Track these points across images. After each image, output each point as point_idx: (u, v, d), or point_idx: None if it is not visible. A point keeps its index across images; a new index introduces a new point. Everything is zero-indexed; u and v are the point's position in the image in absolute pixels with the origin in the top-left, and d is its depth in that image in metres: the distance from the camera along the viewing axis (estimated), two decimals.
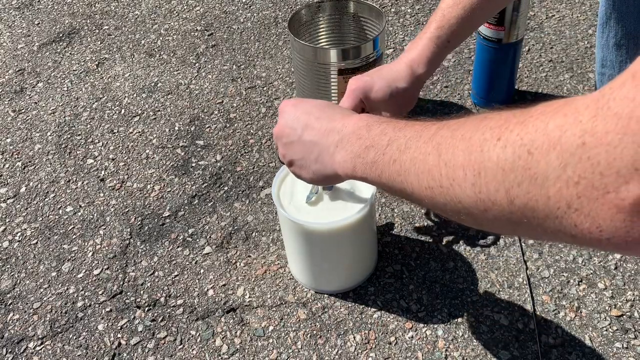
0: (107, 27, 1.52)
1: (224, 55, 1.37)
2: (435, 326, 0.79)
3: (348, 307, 0.83)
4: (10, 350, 0.83)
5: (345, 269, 0.83)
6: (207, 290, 0.87)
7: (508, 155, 0.34)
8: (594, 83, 1.16)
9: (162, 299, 0.87)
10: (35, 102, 1.29)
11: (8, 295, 0.90)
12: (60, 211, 1.03)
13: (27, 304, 0.89)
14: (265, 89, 1.25)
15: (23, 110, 1.27)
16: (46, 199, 1.06)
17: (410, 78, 0.79)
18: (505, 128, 0.36)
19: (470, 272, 0.86)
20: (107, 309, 0.86)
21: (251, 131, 1.15)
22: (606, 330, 0.77)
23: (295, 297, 0.85)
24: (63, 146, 1.17)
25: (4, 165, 1.14)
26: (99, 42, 1.46)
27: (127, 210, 1.02)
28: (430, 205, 0.43)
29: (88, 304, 0.88)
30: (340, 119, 0.57)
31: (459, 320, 0.80)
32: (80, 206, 1.03)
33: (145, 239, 0.96)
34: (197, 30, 1.47)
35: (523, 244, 0.89)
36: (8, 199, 1.07)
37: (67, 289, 0.90)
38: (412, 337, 0.79)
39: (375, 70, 0.82)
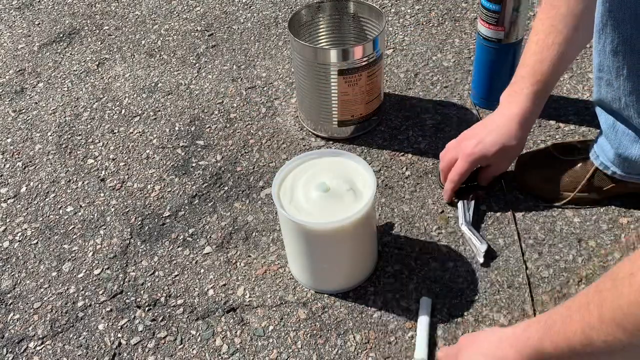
0: (107, 27, 1.52)
1: (224, 55, 1.37)
2: (435, 326, 0.79)
3: (348, 307, 0.83)
4: (10, 350, 0.83)
5: (345, 269, 0.83)
6: (207, 290, 0.87)
7: None
8: (592, 84, 1.16)
9: (163, 299, 0.87)
10: (36, 102, 1.29)
11: (8, 295, 0.90)
12: (61, 211, 1.03)
13: (27, 303, 0.89)
14: (265, 89, 1.25)
15: (23, 111, 1.27)
16: (46, 199, 1.06)
17: (520, 134, 0.87)
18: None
19: (470, 272, 0.86)
20: (108, 309, 0.87)
21: (251, 131, 1.15)
22: None
23: (295, 297, 0.85)
24: (63, 146, 1.17)
25: (4, 165, 1.14)
26: (100, 43, 1.46)
27: (127, 210, 1.02)
28: None
29: (88, 304, 0.88)
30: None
31: (459, 320, 0.80)
32: (81, 206, 1.04)
33: (145, 239, 0.96)
34: (197, 30, 1.47)
35: (523, 244, 0.89)
36: (8, 198, 1.07)
37: (68, 288, 0.90)
38: (412, 337, 0.79)
39: (479, 127, 0.91)
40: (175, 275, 0.90)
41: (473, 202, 0.94)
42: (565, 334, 0.52)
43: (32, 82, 1.36)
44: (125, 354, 0.81)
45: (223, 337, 0.81)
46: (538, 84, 0.85)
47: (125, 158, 1.12)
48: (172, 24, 1.51)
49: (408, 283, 0.85)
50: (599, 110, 0.88)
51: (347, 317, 0.82)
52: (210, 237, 0.95)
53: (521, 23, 1.02)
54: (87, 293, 0.89)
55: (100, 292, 0.89)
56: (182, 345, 0.81)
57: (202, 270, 0.90)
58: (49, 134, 1.20)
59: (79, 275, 0.92)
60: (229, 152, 1.11)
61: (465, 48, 1.30)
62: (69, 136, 1.19)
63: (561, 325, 0.52)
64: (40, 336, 0.84)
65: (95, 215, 1.02)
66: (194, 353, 0.80)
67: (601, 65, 0.79)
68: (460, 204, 0.93)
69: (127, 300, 0.87)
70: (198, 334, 0.82)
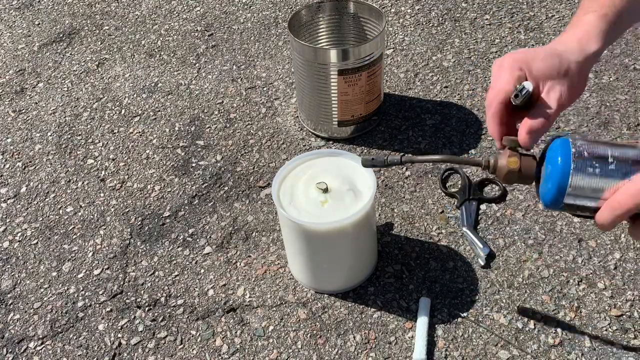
0: (107, 27, 1.52)
1: (224, 55, 1.37)
2: (435, 326, 0.80)
3: (348, 307, 0.83)
4: (10, 350, 0.83)
5: (345, 269, 0.83)
6: (207, 290, 0.87)
7: None
8: (593, 83, 1.16)
9: (163, 299, 0.87)
10: (36, 103, 1.29)
11: (8, 295, 0.90)
12: (61, 211, 1.03)
13: (27, 304, 0.89)
14: (265, 89, 1.25)
15: (23, 111, 1.27)
16: (46, 199, 1.06)
17: (581, 53, 0.65)
18: None
19: (470, 272, 0.86)
20: (108, 309, 0.87)
21: (251, 131, 1.15)
22: (606, 330, 0.77)
23: (295, 297, 0.85)
24: (63, 146, 1.17)
25: (4, 166, 1.14)
26: (99, 43, 1.46)
27: (127, 210, 1.02)
28: None
29: (88, 304, 0.88)
30: None
31: (459, 320, 0.80)
32: (81, 206, 1.04)
33: (145, 239, 0.96)
34: (197, 30, 1.47)
35: (523, 244, 0.89)
36: (8, 199, 1.07)
37: (68, 289, 0.90)
38: (412, 337, 0.79)
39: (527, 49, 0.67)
40: (175, 275, 0.90)
41: (475, 204, 0.94)
42: None
43: (32, 82, 1.36)
44: (125, 354, 0.81)
45: (223, 337, 0.81)
46: (606, 8, 0.66)
47: (125, 158, 1.12)
48: (172, 24, 1.51)
49: (408, 283, 0.85)
50: None
51: (347, 317, 0.82)
52: (210, 237, 0.95)
53: None
54: (87, 293, 0.89)
55: (100, 292, 0.89)
56: (182, 345, 0.81)
57: (202, 270, 0.90)
58: (49, 134, 1.20)
59: (79, 276, 0.92)
60: (229, 152, 1.11)
61: (465, 48, 1.30)
62: (69, 136, 1.19)
63: None
64: (40, 336, 0.84)
65: (95, 215, 1.02)
66: (194, 353, 0.80)
67: None
68: (462, 207, 0.93)
69: (127, 300, 0.87)
70: (198, 334, 0.82)
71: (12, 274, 0.93)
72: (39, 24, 1.56)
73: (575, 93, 0.64)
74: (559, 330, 0.78)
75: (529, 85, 0.60)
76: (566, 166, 0.56)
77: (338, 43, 1.16)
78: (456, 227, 0.92)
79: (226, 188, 1.04)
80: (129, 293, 0.88)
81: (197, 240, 0.95)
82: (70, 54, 1.43)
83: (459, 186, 0.98)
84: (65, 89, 1.32)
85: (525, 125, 0.61)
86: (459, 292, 0.83)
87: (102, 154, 1.14)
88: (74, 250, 0.96)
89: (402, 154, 0.66)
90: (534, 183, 0.61)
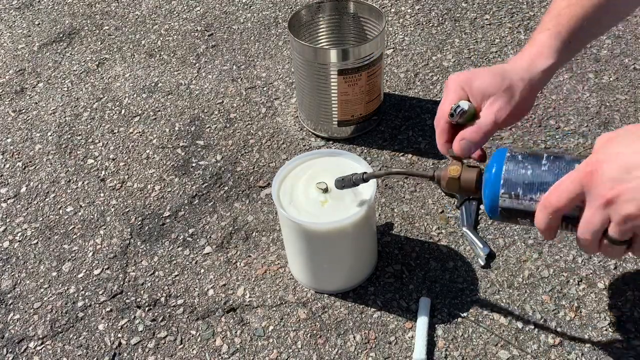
0: (107, 27, 1.52)
1: (224, 55, 1.37)
2: (435, 326, 0.80)
3: (348, 307, 0.83)
4: (10, 350, 0.83)
5: (345, 269, 0.83)
6: (207, 290, 0.87)
7: None
8: (593, 83, 1.16)
9: (163, 299, 0.87)
10: (36, 102, 1.29)
11: (8, 295, 0.90)
12: (61, 211, 1.03)
13: (27, 303, 0.89)
14: (265, 89, 1.25)
15: (23, 111, 1.27)
16: (46, 199, 1.06)
17: (528, 71, 0.66)
18: None
19: (470, 272, 0.86)
20: (108, 309, 0.87)
21: (251, 131, 1.15)
22: (606, 330, 0.77)
23: (295, 297, 0.85)
24: (63, 146, 1.17)
25: (4, 165, 1.14)
26: (99, 43, 1.46)
27: (127, 210, 1.02)
28: None
29: (88, 304, 0.88)
30: None
31: (459, 320, 0.80)
32: (81, 206, 1.04)
33: (145, 239, 0.96)
34: (197, 30, 1.47)
35: (523, 244, 0.89)
36: (8, 199, 1.07)
37: (68, 288, 0.90)
38: (412, 337, 0.79)
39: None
40: (175, 275, 0.90)
41: (475, 204, 0.94)
42: None
43: (32, 82, 1.36)
44: (125, 354, 0.81)
45: (223, 337, 0.81)
46: (559, 27, 0.67)
47: (125, 158, 1.12)
48: (172, 24, 1.51)
49: (408, 283, 0.85)
50: None
51: (347, 317, 0.82)
52: (210, 237, 0.95)
53: None
54: (87, 293, 0.89)
55: (100, 292, 0.89)
56: (182, 345, 0.81)
57: (202, 270, 0.90)
58: (49, 134, 1.20)
59: (79, 275, 0.92)
60: (229, 152, 1.11)
61: (465, 48, 1.30)
62: (69, 136, 1.19)
63: None
64: (40, 336, 0.84)
65: (95, 215, 1.02)
66: (194, 353, 0.80)
67: None
68: (462, 207, 0.93)
69: (127, 300, 0.87)
70: (198, 334, 0.82)
71: (12, 274, 0.93)
72: (39, 24, 1.56)
73: (518, 108, 0.66)
74: (559, 330, 0.78)
75: (463, 104, 0.64)
76: (499, 168, 0.57)
77: (338, 43, 1.16)
78: (456, 227, 0.92)
79: (226, 188, 1.04)
80: (129, 293, 0.88)
81: (197, 240, 0.95)
82: (70, 54, 1.43)
83: None
84: (65, 89, 1.32)
85: (458, 135, 0.65)
86: (459, 292, 0.83)
87: (102, 154, 1.14)
88: (74, 250, 0.96)
89: (363, 172, 0.73)
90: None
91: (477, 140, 0.65)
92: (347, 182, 0.75)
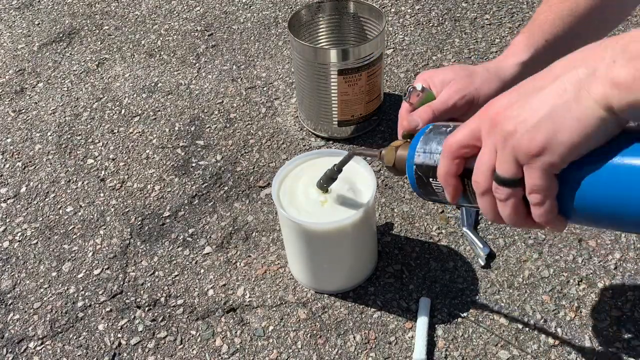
0: (107, 27, 1.52)
1: (224, 55, 1.37)
2: (435, 326, 0.79)
3: (348, 307, 0.83)
4: (10, 350, 0.83)
5: (345, 269, 0.83)
6: (207, 290, 0.87)
7: None
8: None
9: (162, 299, 0.87)
10: (36, 102, 1.29)
11: (8, 295, 0.90)
12: (61, 211, 1.03)
13: (27, 304, 0.89)
14: (265, 89, 1.25)
15: (23, 111, 1.27)
16: (46, 199, 1.06)
17: (499, 63, 0.67)
18: None
19: (470, 272, 0.86)
20: (107, 309, 0.87)
21: (251, 131, 1.15)
22: (606, 330, 0.77)
23: (295, 297, 0.85)
24: (63, 146, 1.17)
25: (4, 165, 1.14)
26: (99, 42, 1.46)
27: (127, 210, 1.02)
28: None
29: (88, 304, 0.88)
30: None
31: (459, 320, 0.80)
32: (81, 206, 1.04)
33: (145, 239, 0.96)
34: (197, 30, 1.47)
35: (523, 244, 0.89)
36: (8, 199, 1.07)
37: (68, 289, 0.90)
38: (412, 337, 0.79)
39: None
40: (175, 276, 0.90)
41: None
42: None
43: (32, 82, 1.36)
44: (125, 354, 0.81)
45: (223, 337, 0.81)
46: (530, 30, 0.69)
47: (125, 158, 1.12)
48: (172, 24, 1.51)
49: (408, 283, 0.85)
50: None
51: (347, 317, 0.82)
52: (210, 237, 0.95)
53: None
54: (87, 293, 0.89)
55: (100, 292, 0.89)
56: (182, 346, 0.81)
57: (202, 270, 0.90)
58: (49, 134, 1.20)
59: (79, 276, 0.92)
60: (229, 152, 1.11)
61: (465, 48, 1.30)
62: (69, 136, 1.19)
63: None
64: (40, 336, 0.84)
65: (95, 215, 1.02)
66: (194, 353, 0.80)
67: None
68: (462, 207, 0.93)
69: (127, 301, 0.87)
70: (198, 334, 0.82)
71: (12, 274, 0.93)
72: (39, 23, 1.56)
73: (477, 94, 0.65)
74: (559, 330, 0.78)
75: (417, 85, 0.66)
76: (423, 131, 0.56)
77: (338, 43, 1.16)
78: (456, 227, 0.92)
79: (226, 188, 1.04)
80: (128, 293, 0.88)
81: (197, 240, 0.95)
82: (70, 53, 1.43)
83: None
84: (65, 89, 1.32)
85: (410, 114, 0.67)
86: (459, 292, 0.83)
87: (102, 153, 1.14)
88: (74, 250, 0.96)
89: (333, 164, 0.74)
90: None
91: (425, 117, 0.65)
92: (325, 179, 0.76)
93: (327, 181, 0.76)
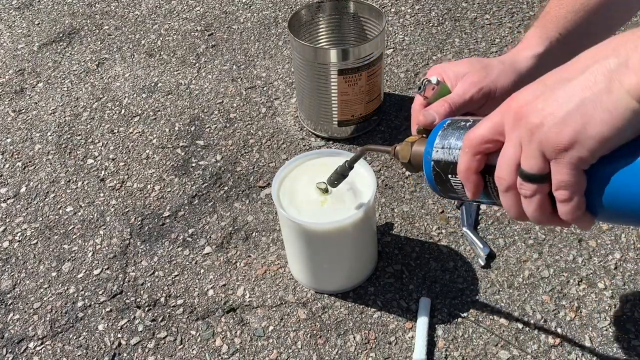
0: (107, 27, 1.52)
1: (224, 55, 1.37)
2: (435, 326, 0.79)
3: (348, 307, 0.83)
4: (10, 350, 0.83)
5: (345, 269, 0.83)
6: (207, 290, 0.87)
7: None
8: None
9: (162, 299, 0.87)
10: (36, 102, 1.29)
11: (8, 295, 0.90)
12: (61, 211, 1.03)
13: (27, 304, 0.89)
14: (265, 89, 1.25)
15: (23, 111, 1.27)
16: (46, 199, 1.06)
17: (514, 57, 0.65)
18: None
19: (470, 272, 0.86)
20: (107, 309, 0.87)
21: (251, 131, 1.15)
22: (606, 330, 0.77)
23: (295, 297, 0.85)
24: (63, 146, 1.17)
25: (4, 166, 1.14)
26: (99, 42, 1.46)
27: (127, 210, 1.02)
28: None
29: (88, 304, 0.88)
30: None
31: (459, 320, 0.80)
32: (81, 206, 1.03)
33: (145, 239, 0.96)
34: (197, 30, 1.47)
35: (523, 244, 0.89)
36: (8, 199, 1.07)
37: (67, 289, 0.90)
38: (412, 337, 0.79)
39: None
40: (175, 276, 0.90)
41: (475, 204, 0.94)
42: None
43: (31, 82, 1.36)
44: (125, 354, 0.81)
45: (223, 337, 0.81)
46: (545, 22, 0.67)
47: (125, 158, 1.12)
48: (172, 24, 1.51)
49: (408, 283, 0.85)
50: None
51: (347, 317, 0.82)
52: (210, 237, 0.95)
53: None
54: (87, 293, 0.89)
55: (100, 292, 0.89)
56: (182, 346, 0.81)
57: (202, 271, 0.90)
58: (49, 134, 1.20)
59: (79, 276, 0.92)
60: (229, 152, 1.11)
61: (465, 48, 1.30)
62: (69, 136, 1.19)
63: None
64: (40, 336, 0.84)
65: (95, 215, 1.02)
66: (194, 353, 0.80)
67: None
68: (462, 207, 0.93)
69: (127, 301, 0.87)
70: (198, 334, 0.82)
71: (12, 274, 0.93)
72: (39, 23, 1.56)
73: (493, 87, 0.63)
74: (559, 330, 0.78)
75: (432, 78, 0.63)
76: (440, 126, 0.54)
77: (338, 43, 1.16)
78: (456, 227, 0.92)
79: (226, 188, 1.04)
80: (128, 293, 0.88)
81: (197, 240, 0.95)
82: (70, 53, 1.43)
83: None
84: (65, 89, 1.32)
85: (425, 108, 0.64)
86: (459, 292, 0.83)
87: (102, 153, 1.14)
88: (74, 250, 0.96)
89: (345, 160, 0.72)
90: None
91: (441, 111, 0.62)
92: (336, 176, 0.75)
93: (338, 178, 0.75)
